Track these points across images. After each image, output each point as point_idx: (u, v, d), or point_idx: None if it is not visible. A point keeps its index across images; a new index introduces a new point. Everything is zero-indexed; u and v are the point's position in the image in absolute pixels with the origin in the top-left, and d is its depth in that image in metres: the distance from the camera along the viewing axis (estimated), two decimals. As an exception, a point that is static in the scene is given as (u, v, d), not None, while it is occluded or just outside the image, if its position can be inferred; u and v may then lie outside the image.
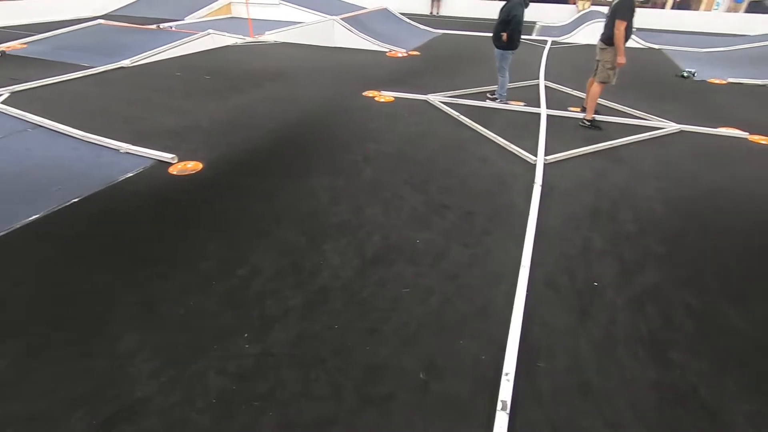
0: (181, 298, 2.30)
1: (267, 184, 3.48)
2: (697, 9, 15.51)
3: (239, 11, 12.17)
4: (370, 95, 5.78)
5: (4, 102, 4.84)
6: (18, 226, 2.82)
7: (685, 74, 6.90)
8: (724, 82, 7.05)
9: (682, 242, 2.93)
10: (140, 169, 3.60)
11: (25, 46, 7.60)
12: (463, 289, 2.45)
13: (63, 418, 1.71)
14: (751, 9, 14.58)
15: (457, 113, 5.13)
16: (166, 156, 3.75)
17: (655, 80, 7.16)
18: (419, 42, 9.83)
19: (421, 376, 1.94)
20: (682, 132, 4.84)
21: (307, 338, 2.11)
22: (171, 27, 9.41)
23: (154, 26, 9.38)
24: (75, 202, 3.12)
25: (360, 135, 4.49)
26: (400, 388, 1.89)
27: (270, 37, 9.37)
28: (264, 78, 6.43)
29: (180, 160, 3.75)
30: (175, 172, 3.59)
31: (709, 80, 7.15)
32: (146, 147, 3.87)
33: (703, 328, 2.25)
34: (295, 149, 4.15)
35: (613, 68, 4.63)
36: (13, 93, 5.23)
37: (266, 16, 11.72)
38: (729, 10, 15.01)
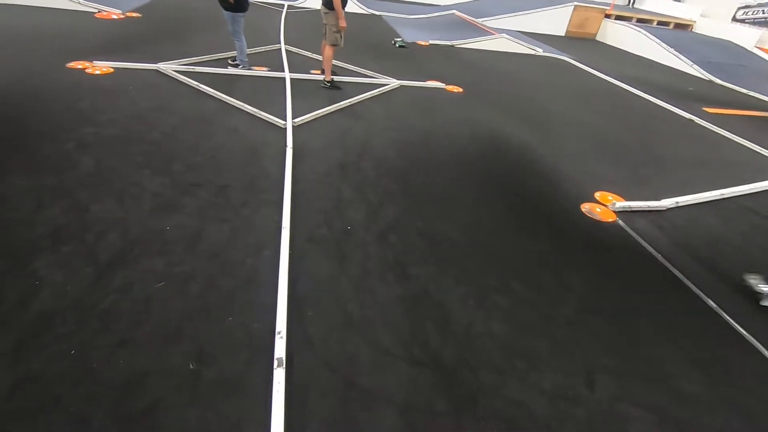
0: None
1: None
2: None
3: None
4: (79, 67, 4.68)
5: None
6: None
7: (398, 43, 8.10)
8: (427, 44, 8.64)
9: (408, 179, 3.54)
10: None
11: None
12: (226, 267, 2.36)
13: None
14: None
15: (197, 83, 4.70)
16: None
17: (379, 42, 8.18)
18: (138, 2, 8.40)
19: (191, 366, 1.82)
20: (401, 87, 5.74)
21: (29, 382, 1.67)
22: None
23: None
24: None
25: (69, 118, 3.61)
26: (168, 390, 1.72)
27: None
28: None
29: None
30: None
31: (417, 42, 8.62)
32: None
33: (429, 242, 2.82)
34: (-36, 146, 3.04)
35: (338, 31, 5.02)
36: None
37: None
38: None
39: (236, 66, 5.47)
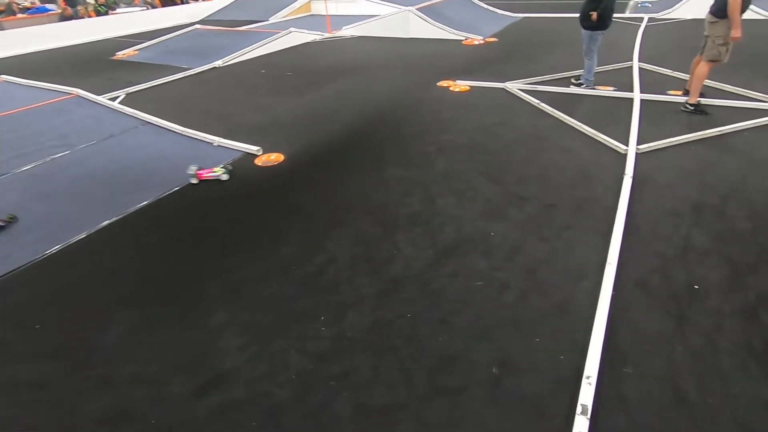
0: (264, 281, 2.48)
1: (342, 175, 3.59)
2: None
3: (318, 8, 12.59)
4: (445, 85, 5.69)
5: (120, 102, 5.51)
6: (132, 210, 3.22)
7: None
8: None
9: (811, 243, 2.51)
10: (230, 160, 3.91)
11: (136, 52, 8.60)
12: (541, 285, 2.33)
13: (166, 382, 1.93)
14: None
15: (538, 101, 4.85)
16: (252, 148, 4.03)
17: (780, 56, 6.17)
18: (497, 28, 9.44)
19: (494, 371, 1.89)
20: (814, 115, 4.13)
21: (380, 325, 2.16)
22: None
23: (242, 28, 10.02)
24: (176, 190, 3.47)
25: (433, 126, 4.45)
26: (472, 381, 1.86)
27: (347, 32, 9.60)
28: (340, 72, 6.61)
29: (264, 153, 4.01)
30: (260, 164, 3.85)
31: None
32: (235, 140, 4.19)
33: (837, 344, 1.92)
34: (368, 141, 4.23)
35: (725, 44, 4.07)
36: (127, 94, 5.95)
37: (344, 12, 11.98)
38: None
39: (579, 85, 5.33)
